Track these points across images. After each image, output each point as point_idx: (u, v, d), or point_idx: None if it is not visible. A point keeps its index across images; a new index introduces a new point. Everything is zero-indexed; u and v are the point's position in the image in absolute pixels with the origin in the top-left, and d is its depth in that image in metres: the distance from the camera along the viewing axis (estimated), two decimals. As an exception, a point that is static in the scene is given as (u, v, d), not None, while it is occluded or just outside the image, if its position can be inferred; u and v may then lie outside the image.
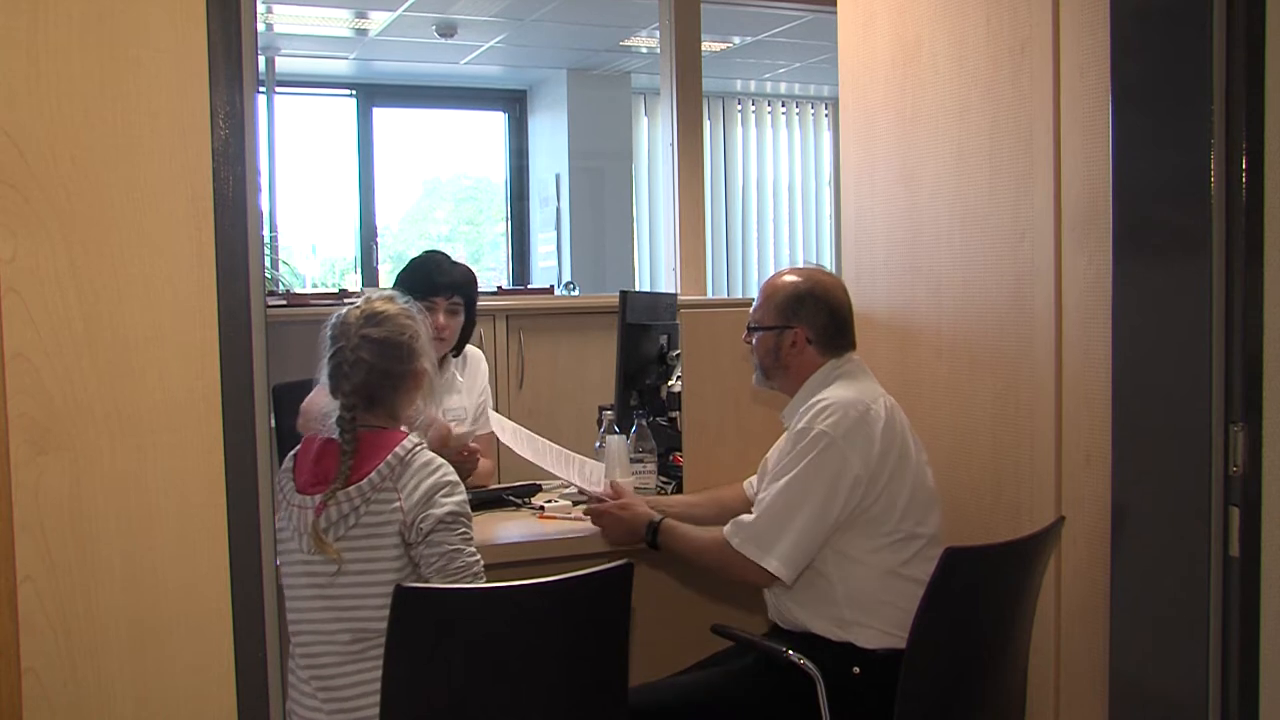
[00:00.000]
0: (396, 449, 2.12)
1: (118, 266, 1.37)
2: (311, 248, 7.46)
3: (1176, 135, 1.85)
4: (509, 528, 2.65)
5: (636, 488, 2.79)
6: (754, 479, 2.69)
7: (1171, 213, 1.88)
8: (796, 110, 8.09)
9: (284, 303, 4.05)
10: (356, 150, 7.10)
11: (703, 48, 5.21)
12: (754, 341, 2.44)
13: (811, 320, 2.38)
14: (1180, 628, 1.85)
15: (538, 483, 3.01)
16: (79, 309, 1.36)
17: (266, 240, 5.76)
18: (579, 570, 1.92)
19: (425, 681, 1.87)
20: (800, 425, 2.28)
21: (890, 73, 2.89)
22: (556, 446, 2.89)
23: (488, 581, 2.12)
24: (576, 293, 5.45)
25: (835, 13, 3.12)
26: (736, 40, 6.56)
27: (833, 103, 7.93)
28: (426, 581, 2.08)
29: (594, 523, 2.54)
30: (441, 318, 2.89)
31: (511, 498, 2.92)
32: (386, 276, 6.86)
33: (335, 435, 2.17)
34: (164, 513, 1.40)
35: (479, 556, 2.13)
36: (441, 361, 2.93)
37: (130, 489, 1.38)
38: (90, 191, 1.36)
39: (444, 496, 2.11)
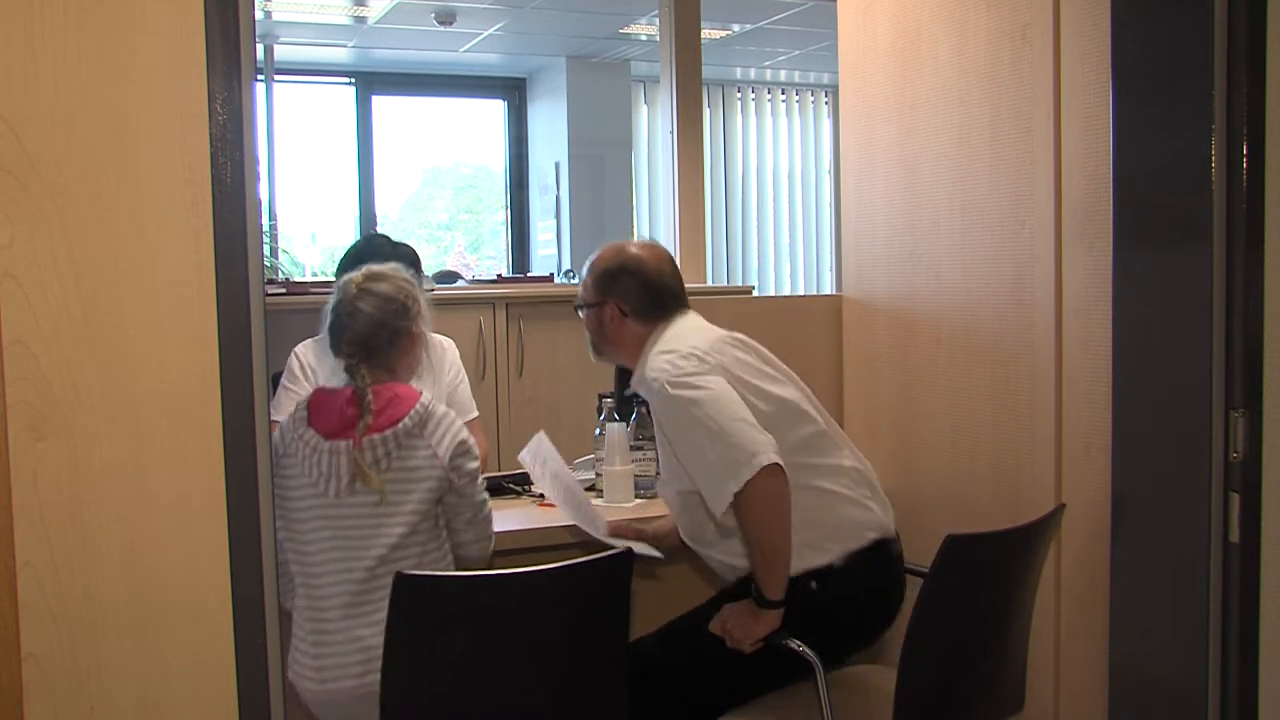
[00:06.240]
0: (419, 400, 2.18)
1: (116, 253, 1.37)
2: (311, 236, 7.44)
3: (1177, 121, 1.85)
4: (509, 515, 2.65)
5: (637, 475, 2.79)
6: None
7: (1172, 199, 1.87)
8: (796, 98, 8.07)
9: (283, 291, 4.04)
10: (356, 138, 7.08)
11: (702, 35, 5.18)
12: (582, 317, 2.46)
13: (624, 294, 2.38)
14: (1180, 613, 1.85)
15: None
16: (77, 295, 1.35)
17: (266, 228, 5.76)
18: (578, 558, 1.93)
19: (426, 667, 1.87)
20: (653, 396, 2.24)
21: (890, 60, 2.88)
22: (565, 484, 2.60)
23: (487, 569, 2.12)
24: (576, 280, 5.43)
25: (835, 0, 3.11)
26: (736, 28, 6.54)
27: (833, 90, 7.91)
28: (450, 527, 2.20)
29: (721, 633, 2.29)
30: None
31: (511, 485, 2.92)
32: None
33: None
34: (163, 498, 1.39)
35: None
36: None
37: (129, 475, 1.38)
38: (88, 178, 1.36)
39: (466, 453, 2.20)
